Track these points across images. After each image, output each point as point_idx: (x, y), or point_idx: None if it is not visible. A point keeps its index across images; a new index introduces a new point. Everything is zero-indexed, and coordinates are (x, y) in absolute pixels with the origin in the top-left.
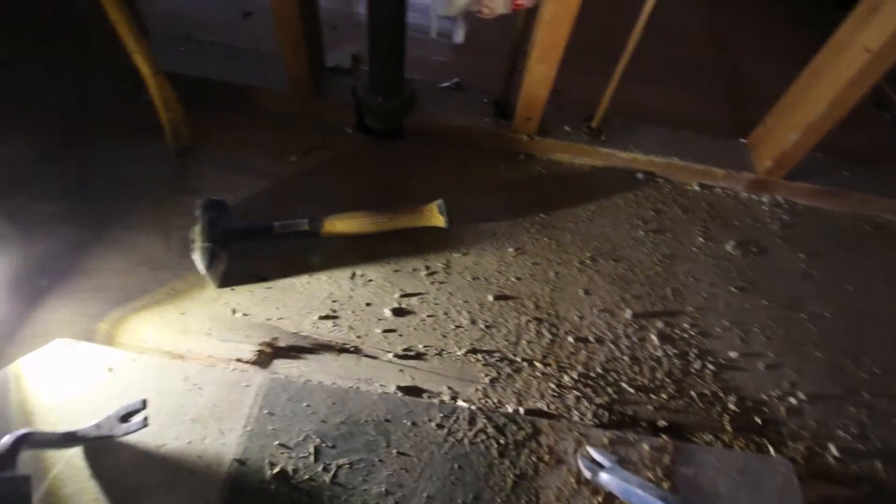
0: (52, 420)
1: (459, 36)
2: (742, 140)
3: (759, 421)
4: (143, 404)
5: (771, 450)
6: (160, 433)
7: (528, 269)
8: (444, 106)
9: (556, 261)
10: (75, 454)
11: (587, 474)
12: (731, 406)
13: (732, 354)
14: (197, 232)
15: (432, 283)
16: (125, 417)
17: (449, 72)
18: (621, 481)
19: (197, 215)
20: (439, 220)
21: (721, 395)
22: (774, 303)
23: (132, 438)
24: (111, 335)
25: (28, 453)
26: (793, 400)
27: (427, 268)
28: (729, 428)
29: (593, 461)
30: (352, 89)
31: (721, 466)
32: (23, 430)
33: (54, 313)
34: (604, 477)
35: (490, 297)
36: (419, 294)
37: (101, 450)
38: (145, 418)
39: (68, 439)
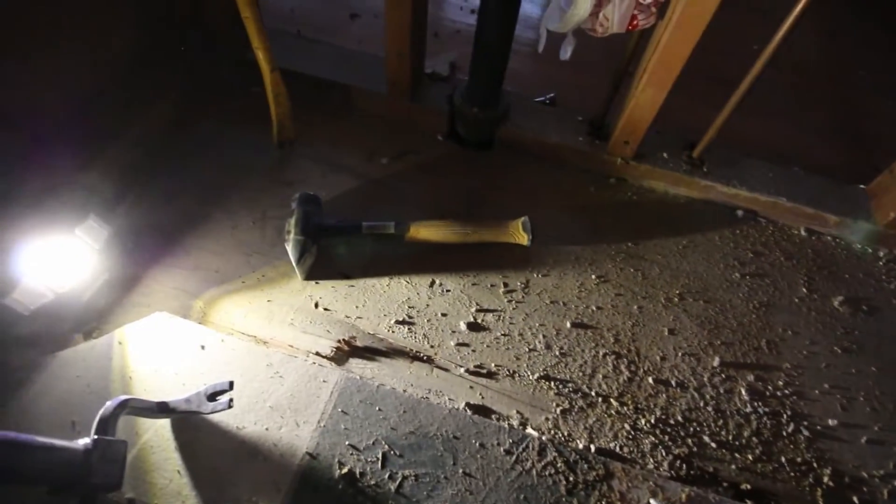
0: (148, 388)
1: (567, 53)
2: (861, 186)
3: (855, 501)
4: (231, 386)
5: None
6: (241, 416)
7: (611, 299)
8: (537, 121)
9: (640, 294)
10: (164, 424)
11: None
12: (826, 479)
13: (831, 422)
14: (292, 224)
15: (509, 301)
16: (212, 396)
17: (544, 85)
18: None
19: (293, 208)
20: (523, 238)
21: (815, 465)
22: (885, 371)
23: (215, 417)
24: (205, 313)
25: (124, 418)
26: None
27: (505, 285)
28: (821, 503)
29: None
30: (448, 97)
31: None
32: (123, 397)
33: (157, 284)
34: None
35: (568, 324)
36: (495, 311)
37: (187, 424)
38: (231, 399)
39: (161, 409)
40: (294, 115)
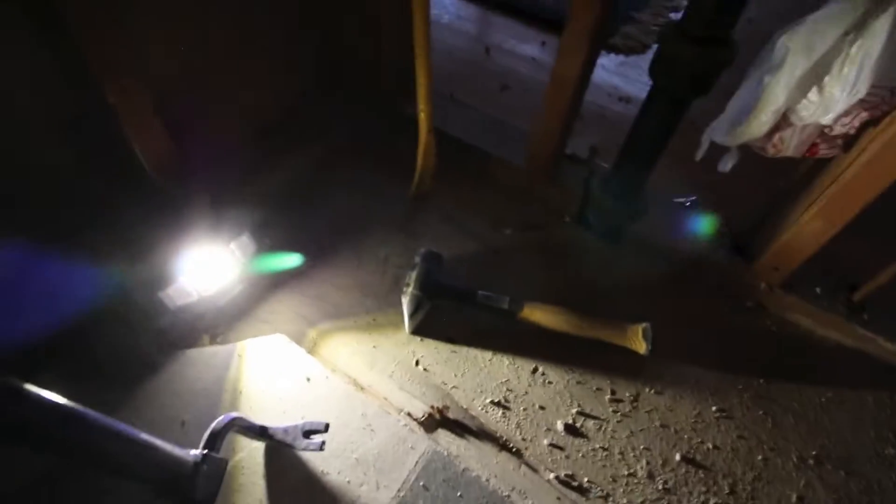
0: (252, 406)
1: (727, 166)
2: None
3: None
4: (326, 428)
5: None
6: (328, 461)
7: (731, 440)
8: (675, 223)
9: (768, 444)
10: (258, 447)
11: None
12: None
13: None
14: (413, 277)
15: (615, 411)
16: (307, 433)
17: (686, 184)
18: None
19: (416, 262)
20: (641, 346)
21: None
22: None
23: (304, 455)
24: (315, 343)
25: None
26: None
27: (613, 392)
28: None
29: None
30: (585, 181)
31: None
32: (234, 414)
33: (280, 305)
34: None
35: (677, 456)
36: (597, 418)
37: (278, 453)
38: (323, 442)
39: (261, 433)
40: (435, 173)
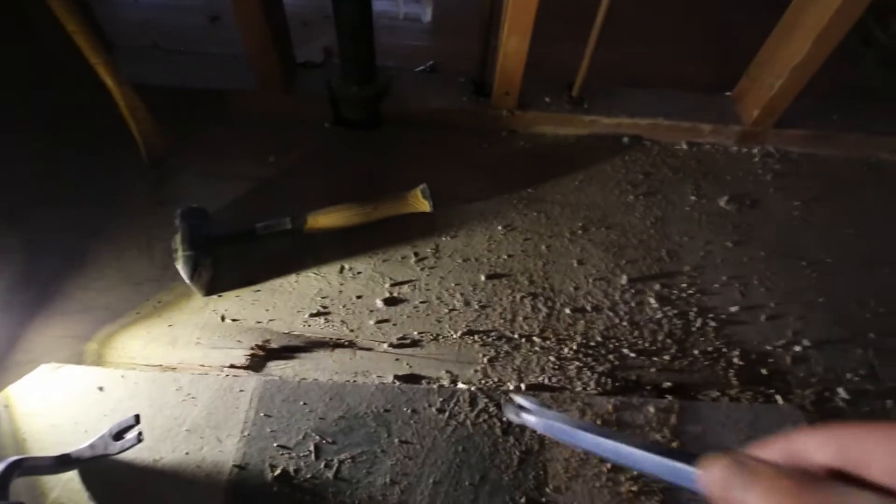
0: (47, 443)
1: (427, 15)
2: (727, 93)
3: (764, 372)
4: (136, 419)
5: (779, 399)
6: (156, 447)
7: (520, 245)
8: (421, 89)
9: (546, 234)
10: (72, 477)
11: (512, 419)
12: (736, 360)
13: (733, 309)
14: (178, 241)
15: (422, 269)
16: (119, 435)
17: (422, 56)
18: (544, 420)
19: (176, 224)
20: (424, 205)
21: (724, 350)
22: (773, 253)
23: (128, 455)
24: (101, 354)
25: (23, 480)
26: (798, 348)
27: (416, 254)
28: (735, 382)
29: (519, 407)
30: (325, 82)
31: (729, 420)
32: (12, 458)
33: (41, 337)
34: (527, 418)
35: (482, 277)
36: (410, 281)
37: (98, 470)
38: (139, 433)
39: (63, 462)
40: (163, 130)
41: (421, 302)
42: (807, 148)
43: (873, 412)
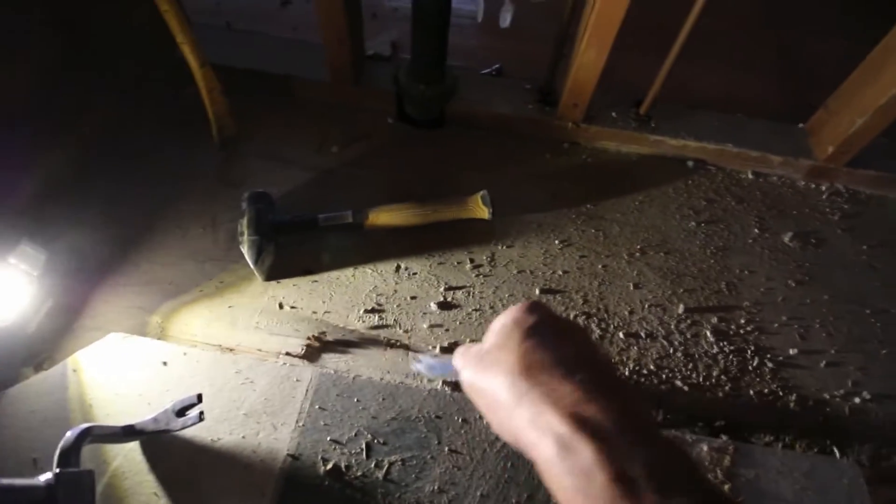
0: (111, 412)
1: (506, 20)
2: (800, 125)
3: (821, 421)
4: (199, 399)
5: (836, 450)
6: (214, 427)
7: (575, 261)
8: (486, 93)
9: (604, 253)
10: (133, 448)
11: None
12: (792, 405)
13: (792, 351)
14: (244, 224)
15: (477, 275)
16: (181, 412)
17: (490, 58)
18: (429, 362)
19: (243, 208)
20: (483, 212)
21: (780, 393)
22: (836, 297)
23: (188, 433)
24: (163, 328)
25: (89, 447)
26: (857, 399)
27: (471, 260)
28: (790, 428)
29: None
30: (393, 77)
31: (784, 468)
32: (84, 425)
33: (107, 305)
34: (417, 366)
35: (536, 291)
36: (464, 287)
37: (159, 444)
38: (201, 413)
39: (127, 433)
40: (234, 111)
41: (474, 309)
42: (878, 189)
43: None
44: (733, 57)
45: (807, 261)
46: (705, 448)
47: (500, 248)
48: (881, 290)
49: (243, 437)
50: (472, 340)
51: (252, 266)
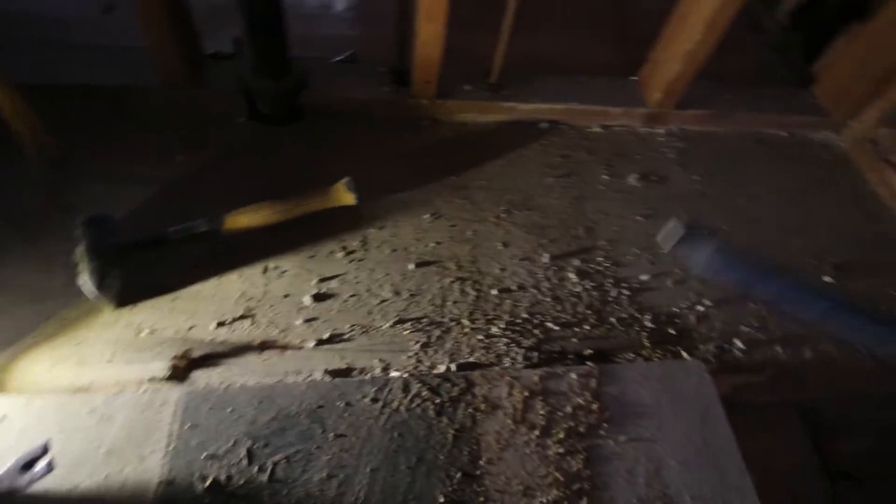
0: None
1: (341, 3)
2: (633, 78)
3: (673, 332)
4: (45, 448)
5: (685, 355)
6: (70, 474)
7: (446, 231)
8: (340, 81)
9: (472, 219)
10: None
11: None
12: (647, 324)
13: (644, 277)
14: (80, 253)
15: (350, 262)
16: (27, 466)
17: (341, 46)
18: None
19: (78, 235)
20: (349, 198)
21: (637, 315)
22: (664, 213)
23: (43, 486)
24: (1, 382)
25: None
26: (700, 308)
27: (343, 248)
28: (647, 343)
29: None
30: (238, 76)
31: (643, 378)
32: None
33: None
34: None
35: (411, 266)
36: (338, 276)
37: None
38: (49, 462)
39: None
40: (57, 130)
41: (351, 296)
42: (704, 126)
43: (765, 359)
44: (574, 23)
45: (651, 197)
46: (574, 376)
47: (371, 231)
48: (712, 212)
49: (107, 477)
50: (350, 326)
51: (96, 295)
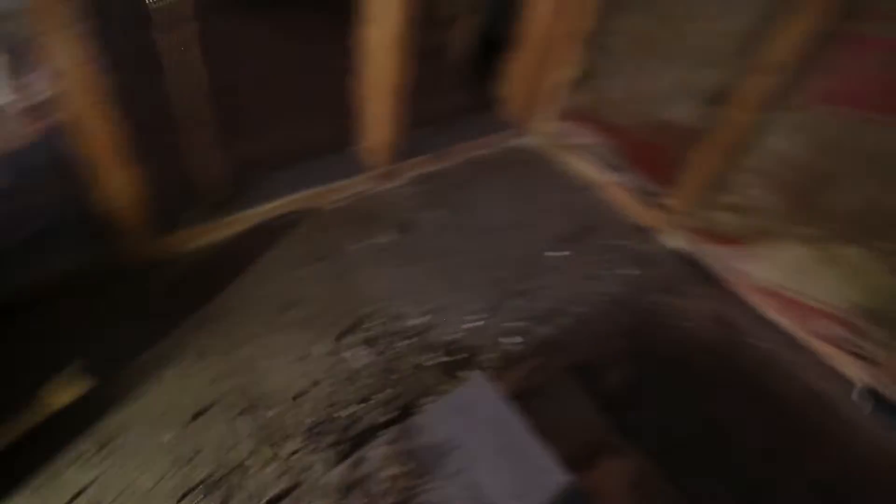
0: None
1: None
2: (354, 146)
3: (463, 356)
4: None
5: (468, 373)
6: None
7: (216, 368)
8: (29, 260)
9: (241, 340)
10: None
11: None
12: (441, 358)
13: (425, 319)
14: None
15: (100, 462)
16: None
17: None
18: None
19: None
20: (74, 390)
21: (431, 354)
22: (432, 260)
23: None
24: None
25: None
26: (471, 325)
27: (81, 454)
28: (444, 377)
29: None
30: None
31: (443, 415)
32: None
33: None
34: None
35: (188, 418)
36: (82, 491)
37: None
38: None
39: None
40: None
41: (116, 497)
42: (434, 167)
43: (534, 342)
44: (286, 112)
45: (405, 245)
46: (380, 449)
47: (116, 417)
48: (458, 238)
49: None
50: None
51: None
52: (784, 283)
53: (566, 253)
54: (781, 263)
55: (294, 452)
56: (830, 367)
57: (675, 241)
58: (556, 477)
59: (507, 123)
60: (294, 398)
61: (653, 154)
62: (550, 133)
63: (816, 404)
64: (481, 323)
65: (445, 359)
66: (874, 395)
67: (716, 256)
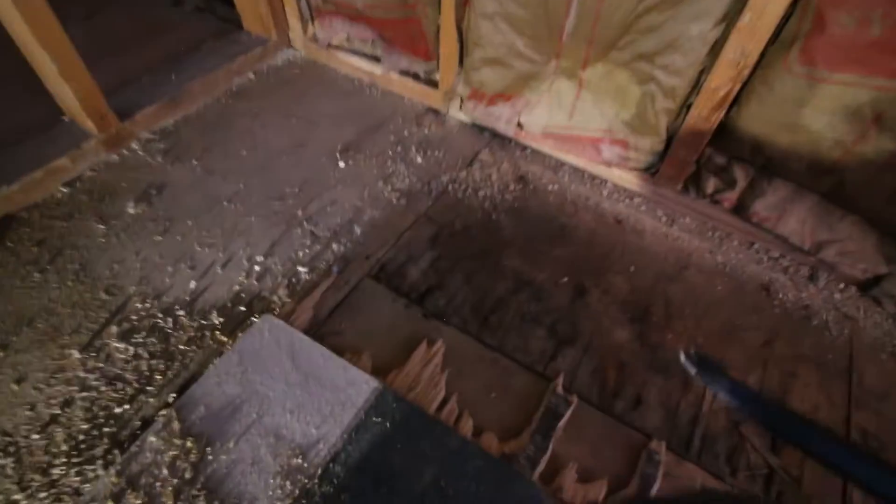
0: None
1: None
2: (63, 118)
3: (243, 308)
4: None
5: (255, 319)
6: None
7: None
8: None
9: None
10: None
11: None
12: (216, 320)
13: (192, 286)
14: None
15: None
16: None
17: None
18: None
19: None
20: None
21: (204, 322)
22: (193, 217)
23: None
24: None
25: None
26: (258, 267)
27: None
28: (223, 338)
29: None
30: None
31: (222, 376)
32: None
33: None
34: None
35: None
36: None
37: None
38: None
39: None
40: None
41: None
42: (176, 115)
43: (327, 258)
44: None
45: (158, 211)
46: (152, 438)
47: None
48: (224, 180)
49: None
50: None
51: None
52: (562, 122)
53: (354, 159)
54: (554, 103)
55: (56, 481)
56: (623, 189)
57: (457, 112)
58: (362, 388)
59: (258, 40)
60: (47, 425)
61: (406, 31)
62: (310, 38)
63: (616, 228)
64: (266, 263)
65: (221, 319)
66: (699, 358)
67: (498, 116)
